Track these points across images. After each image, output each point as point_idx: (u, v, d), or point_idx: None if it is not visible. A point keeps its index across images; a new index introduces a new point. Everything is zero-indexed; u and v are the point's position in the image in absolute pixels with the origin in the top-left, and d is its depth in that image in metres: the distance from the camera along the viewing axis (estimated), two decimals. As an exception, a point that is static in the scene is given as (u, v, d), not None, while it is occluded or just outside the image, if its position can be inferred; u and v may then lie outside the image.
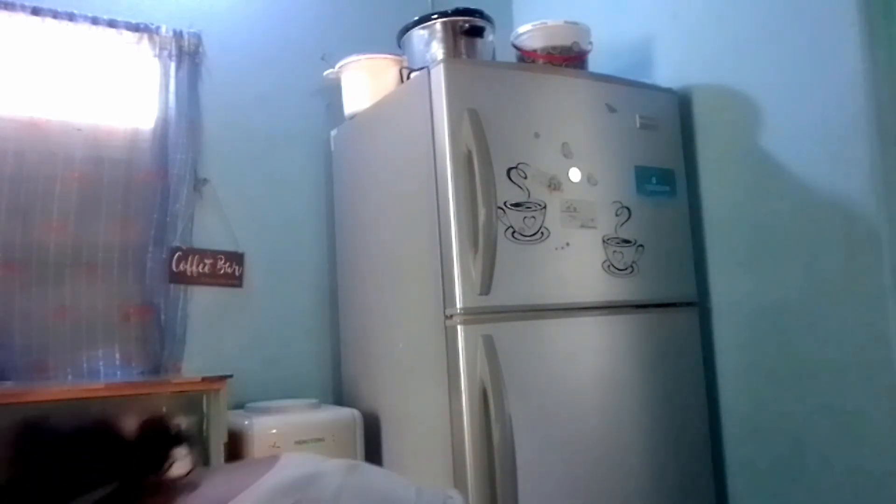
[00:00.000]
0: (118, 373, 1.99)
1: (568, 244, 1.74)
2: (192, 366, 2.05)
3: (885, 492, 1.59)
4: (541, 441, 1.63)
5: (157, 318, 2.05)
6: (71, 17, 2.04)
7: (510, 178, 1.69)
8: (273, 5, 2.41)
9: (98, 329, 1.99)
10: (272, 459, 0.92)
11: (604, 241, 1.80)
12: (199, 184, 2.19)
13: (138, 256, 2.07)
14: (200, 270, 2.13)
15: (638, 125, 1.91)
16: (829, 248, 1.71)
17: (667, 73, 2.11)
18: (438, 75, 1.68)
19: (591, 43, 2.00)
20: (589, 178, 1.80)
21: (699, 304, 1.97)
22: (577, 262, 1.75)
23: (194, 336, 2.09)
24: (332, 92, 2.25)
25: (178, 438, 0.91)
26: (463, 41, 1.91)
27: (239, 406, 1.96)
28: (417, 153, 1.73)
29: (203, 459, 1.86)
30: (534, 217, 1.70)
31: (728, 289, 1.96)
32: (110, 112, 2.09)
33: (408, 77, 1.92)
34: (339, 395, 2.19)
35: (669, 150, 1.98)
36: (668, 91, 2.02)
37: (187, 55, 2.20)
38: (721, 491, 1.93)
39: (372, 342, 2.01)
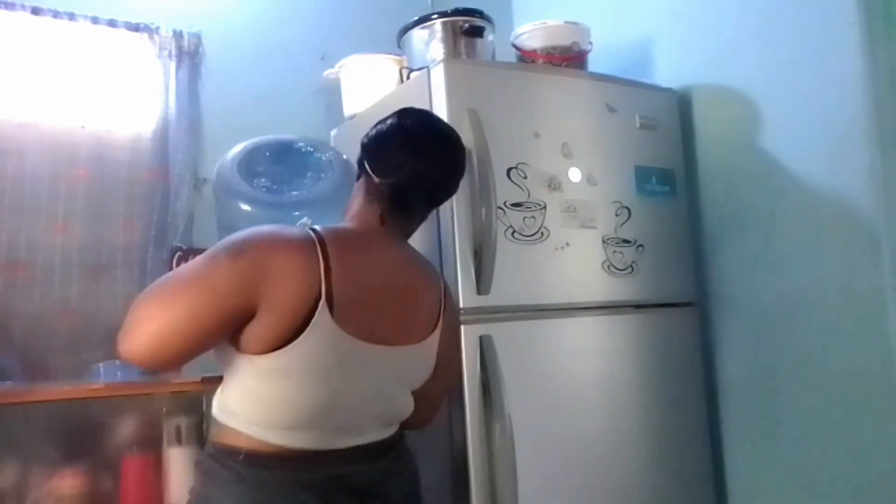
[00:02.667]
0: (118, 373, 1.99)
1: (568, 244, 1.74)
2: (192, 366, 2.05)
3: (886, 492, 1.59)
4: (541, 441, 1.63)
5: (157, 318, 2.05)
6: (71, 16, 2.04)
7: (510, 178, 1.68)
8: (273, 5, 2.41)
9: (99, 329, 1.99)
10: None
11: (604, 241, 1.80)
12: (198, 184, 2.19)
13: (139, 256, 2.07)
14: (200, 270, 2.12)
15: (638, 125, 1.91)
16: (829, 248, 1.71)
17: (666, 73, 2.11)
18: (438, 75, 1.67)
19: (590, 43, 2.00)
20: (589, 178, 1.80)
21: (699, 304, 1.97)
22: (576, 262, 1.75)
23: (194, 336, 2.09)
24: (332, 92, 2.25)
25: None
26: (463, 41, 1.91)
27: (239, 406, 1.95)
28: (417, 153, 1.73)
29: (203, 459, 1.86)
30: (534, 217, 1.70)
31: (728, 289, 1.96)
32: (111, 112, 2.09)
33: (408, 77, 1.91)
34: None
35: (669, 150, 1.98)
36: (667, 91, 2.02)
37: (187, 55, 2.20)
38: (721, 490, 1.93)
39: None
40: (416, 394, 1.33)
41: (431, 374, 1.34)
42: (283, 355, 1.11)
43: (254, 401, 1.17)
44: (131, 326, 1.13)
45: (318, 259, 1.14)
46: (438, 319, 1.32)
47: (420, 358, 1.30)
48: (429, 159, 1.28)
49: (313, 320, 1.11)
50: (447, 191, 1.35)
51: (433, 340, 1.31)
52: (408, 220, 1.32)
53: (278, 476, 1.16)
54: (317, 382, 1.15)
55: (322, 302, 1.12)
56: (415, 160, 1.27)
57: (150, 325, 1.11)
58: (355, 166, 1.36)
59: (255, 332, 1.12)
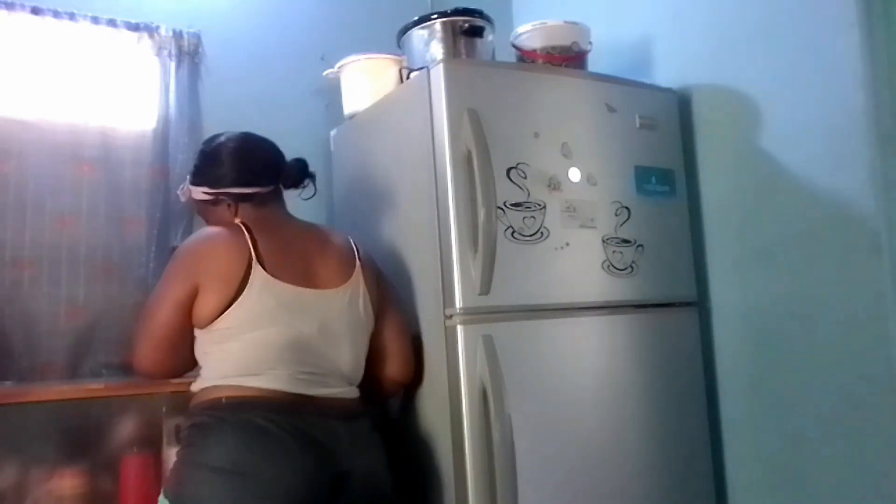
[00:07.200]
0: (119, 373, 1.99)
1: (568, 244, 1.74)
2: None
3: (885, 492, 1.59)
4: (541, 441, 1.63)
5: (158, 317, 2.05)
6: (71, 16, 2.04)
7: (510, 178, 1.69)
8: (273, 5, 2.41)
9: (99, 328, 1.99)
10: None
11: (603, 241, 1.80)
12: (199, 184, 2.18)
13: (140, 256, 2.07)
14: (200, 270, 2.12)
15: (637, 125, 1.91)
16: (829, 248, 1.71)
17: (666, 73, 2.11)
18: (438, 75, 1.67)
19: (590, 43, 2.00)
20: (588, 178, 1.80)
21: (699, 304, 1.97)
22: (576, 262, 1.75)
23: (194, 336, 2.09)
24: (332, 92, 2.25)
25: None
26: (462, 41, 1.91)
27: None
28: (417, 153, 1.73)
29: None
30: (533, 217, 1.70)
31: (728, 289, 1.96)
32: (111, 112, 2.09)
33: (407, 77, 1.91)
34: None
35: (669, 150, 1.98)
36: (667, 91, 2.02)
37: (187, 55, 2.20)
38: (721, 491, 1.93)
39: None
40: (374, 348, 1.58)
41: (374, 321, 1.58)
42: (233, 312, 1.38)
43: (223, 359, 1.40)
44: (135, 347, 1.44)
45: (245, 236, 1.44)
46: (356, 262, 1.57)
47: (353, 301, 1.53)
48: (235, 137, 1.59)
49: (250, 277, 1.40)
50: (273, 159, 1.61)
51: (358, 284, 1.55)
52: (270, 193, 1.58)
53: (258, 418, 1.33)
54: (268, 324, 1.40)
55: (254, 262, 1.41)
56: (228, 142, 1.57)
57: (146, 338, 1.43)
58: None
59: (203, 303, 1.39)
